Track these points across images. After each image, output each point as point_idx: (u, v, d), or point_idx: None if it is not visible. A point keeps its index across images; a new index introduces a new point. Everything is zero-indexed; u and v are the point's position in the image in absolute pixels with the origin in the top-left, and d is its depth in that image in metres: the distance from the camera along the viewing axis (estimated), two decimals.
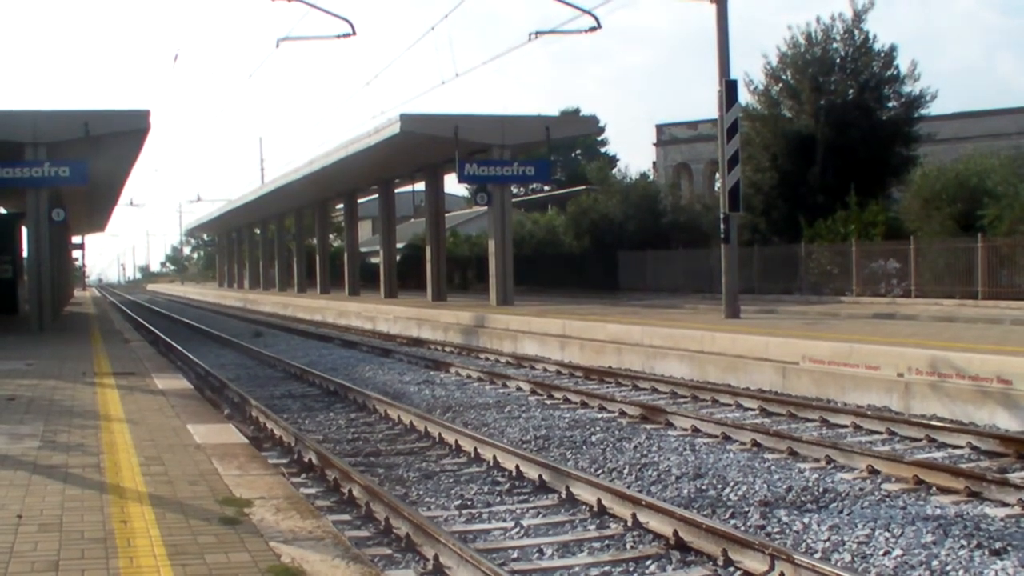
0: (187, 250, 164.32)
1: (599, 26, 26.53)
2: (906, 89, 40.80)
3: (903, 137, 40.66)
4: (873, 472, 10.65)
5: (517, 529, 8.93)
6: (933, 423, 13.09)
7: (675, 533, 8.22)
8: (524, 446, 12.79)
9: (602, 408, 15.89)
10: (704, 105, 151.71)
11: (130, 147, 33.12)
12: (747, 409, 15.58)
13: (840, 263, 36.09)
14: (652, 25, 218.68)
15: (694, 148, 65.45)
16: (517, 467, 10.98)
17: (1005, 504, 9.30)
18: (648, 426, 14.25)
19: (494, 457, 11.60)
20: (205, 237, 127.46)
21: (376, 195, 52.47)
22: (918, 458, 11.20)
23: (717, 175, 28.61)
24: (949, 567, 7.65)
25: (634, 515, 8.81)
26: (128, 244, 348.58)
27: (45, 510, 7.44)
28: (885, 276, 34.42)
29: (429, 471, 11.51)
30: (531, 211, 67.02)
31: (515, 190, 63.08)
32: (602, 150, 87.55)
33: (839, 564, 7.73)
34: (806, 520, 8.94)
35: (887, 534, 8.42)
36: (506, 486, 10.59)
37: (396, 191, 51.85)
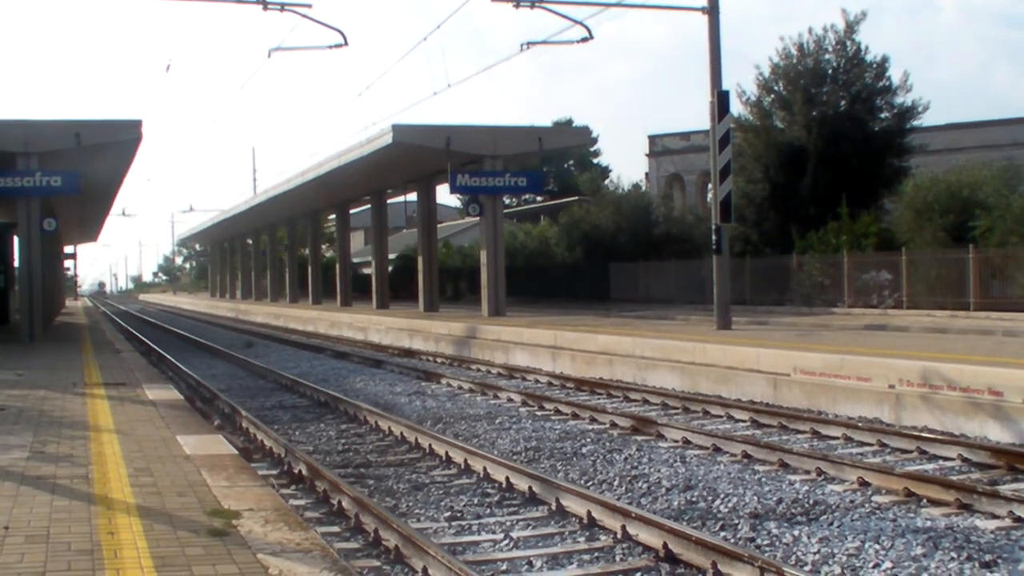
0: (179, 260, 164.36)
1: (591, 36, 26.51)
2: (898, 100, 40.89)
3: (895, 148, 40.69)
4: (864, 484, 10.64)
5: (507, 541, 8.90)
6: (924, 435, 13.08)
7: (664, 545, 8.20)
8: (514, 457, 12.77)
9: (593, 420, 15.87)
10: (696, 116, 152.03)
11: (122, 157, 33.10)
12: (738, 421, 15.57)
13: (832, 274, 36.11)
14: (644, 36, 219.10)
15: (686, 159, 65.53)
16: (507, 479, 10.95)
17: (996, 516, 9.29)
18: (639, 438, 14.23)
19: (484, 469, 11.58)
20: (197, 247, 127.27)
21: (368, 206, 52.47)
22: (909, 470, 11.18)
23: (709, 186, 28.63)
24: None
25: (624, 527, 8.78)
26: (120, 254, 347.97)
27: (32, 521, 7.40)
28: (877, 287, 34.45)
29: (419, 482, 11.48)
30: (523, 222, 67.03)
31: (507, 201, 62.98)
32: (594, 161, 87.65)
33: None
34: (796, 532, 8.92)
35: (877, 546, 8.41)
36: (496, 498, 10.57)
37: (388, 202, 51.85)
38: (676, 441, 13.71)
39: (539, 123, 72.27)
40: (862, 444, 13.24)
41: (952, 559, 8.02)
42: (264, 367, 25.37)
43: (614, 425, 15.23)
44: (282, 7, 24.44)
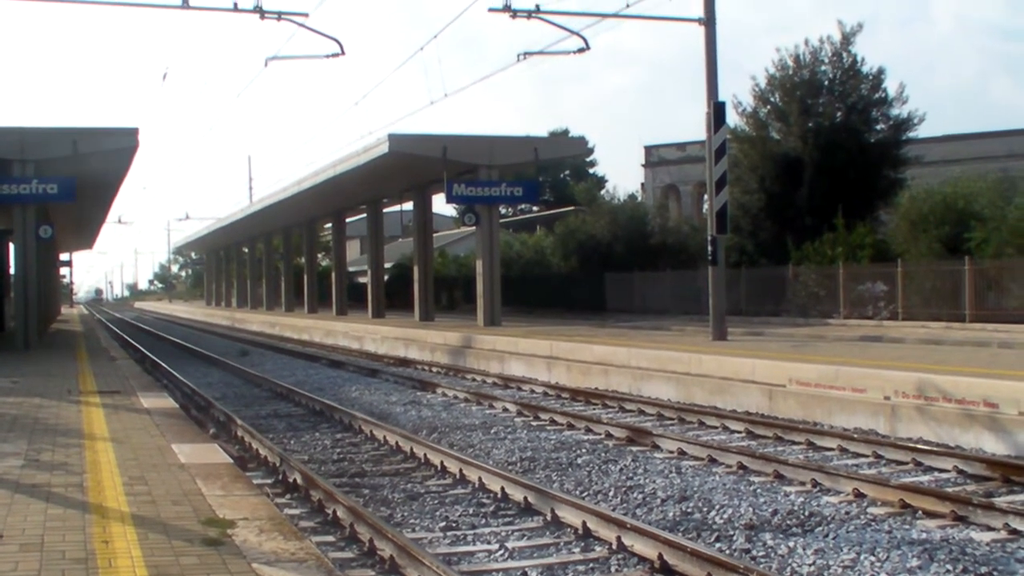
0: (175, 268, 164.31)
1: (588, 47, 26.55)
2: (894, 112, 40.99)
3: (891, 159, 40.77)
4: (859, 496, 10.63)
5: (502, 552, 8.89)
6: (919, 446, 13.08)
7: (660, 556, 8.19)
8: (510, 468, 12.74)
9: (588, 430, 15.85)
10: (693, 126, 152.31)
11: (118, 164, 33.09)
12: (733, 432, 15.55)
13: (827, 285, 36.15)
14: (641, 46, 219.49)
15: (682, 169, 65.60)
16: (502, 489, 10.93)
17: (991, 528, 9.28)
18: (634, 448, 14.21)
19: (479, 479, 11.56)
20: (193, 255, 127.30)
21: (364, 215, 52.47)
22: (904, 482, 11.18)
23: (705, 196, 28.66)
24: None
25: (619, 538, 8.77)
26: (116, 262, 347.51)
27: (27, 529, 7.39)
28: (872, 299, 34.49)
29: (414, 492, 11.46)
30: (519, 232, 67.03)
31: (503, 211, 63.10)
32: (591, 171, 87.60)
33: None
34: (791, 544, 8.91)
35: (872, 558, 8.40)
36: (491, 508, 10.55)
37: (384, 211, 51.85)
38: (671, 452, 13.70)
39: (535, 133, 72.35)
40: (857, 456, 13.23)
41: (947, 571, 8.02)
42: (259, 376, 25.34)
43: (609, 436, 15.21)
44: (279, 16, 24.46)
